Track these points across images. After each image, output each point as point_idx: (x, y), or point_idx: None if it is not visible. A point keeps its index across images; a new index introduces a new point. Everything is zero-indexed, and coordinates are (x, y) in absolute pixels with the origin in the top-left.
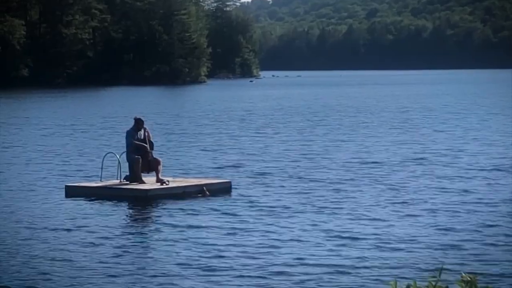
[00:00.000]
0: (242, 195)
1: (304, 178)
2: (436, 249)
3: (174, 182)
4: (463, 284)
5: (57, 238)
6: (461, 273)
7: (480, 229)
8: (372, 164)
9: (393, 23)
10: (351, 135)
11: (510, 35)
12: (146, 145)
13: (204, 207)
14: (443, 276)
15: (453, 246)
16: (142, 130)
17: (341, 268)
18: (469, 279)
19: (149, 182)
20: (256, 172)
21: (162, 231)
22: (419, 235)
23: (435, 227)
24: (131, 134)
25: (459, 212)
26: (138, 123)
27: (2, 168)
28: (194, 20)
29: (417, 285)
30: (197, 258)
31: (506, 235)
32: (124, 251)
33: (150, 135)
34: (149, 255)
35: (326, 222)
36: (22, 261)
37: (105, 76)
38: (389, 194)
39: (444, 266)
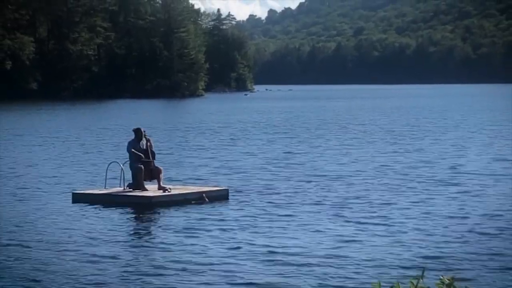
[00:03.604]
0: (238, 201)
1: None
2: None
3: (175, 189)
4: (442, 286)
5: (67, 242)
6: (440, 276)
7: (448, 237)
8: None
9: (379, 41)
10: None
11: (489, 52)
12: (141, 155)
13: (204, 213)
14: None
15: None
16: (144, 140)
17: (328, 271)
18: (447, 281)
19: (151, 189)
20: (249, 180)
21: (166, 236)
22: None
23: (402, 239)
24: (131, 144)
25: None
26: (137, 133)
27: (12, 176)
28: (193, 38)
29: (400, 287)
30: (199, 261)
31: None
32: (130, 255)
33: (152, 144)
34: (154, 259)
35: (317, 230)
36: (31, 264)
37: (108, 90)
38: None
39: (421, 271)
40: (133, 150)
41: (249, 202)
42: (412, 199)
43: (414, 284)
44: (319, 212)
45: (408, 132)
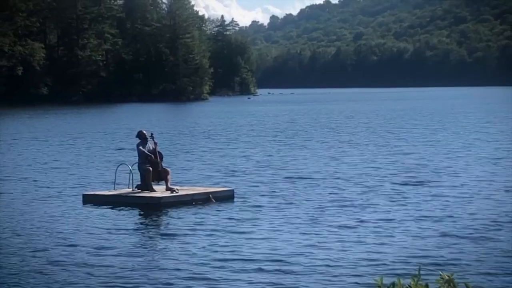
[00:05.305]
0: (243, 202)
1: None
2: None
3: (182, 190)
4: (442, 282)
5: (77, 242)
6: (439, 273)
7: (438, 235)
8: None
9: (377, 45)
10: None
11: (484, 56)
12: (151, 155)
13: (211, 213)
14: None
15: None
16: (152, 143)
17: (328, 268)
18: (447, 277)
19: (159, 190)
20: (252, 181)
21: (175, 237)
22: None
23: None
24: (141, 146)
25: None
26: (141, 136)
27: (23, 178)
28: (197, 43)
29: (401, 283)
30: (206, 260)
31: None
32: (139, 255)
33: (157, 146)
34: (163, 259)
35: (316, 231)
36: (41, 264)
37: (116, 94)
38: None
39: (417, 270)
40: (142, 149)
41: (254, 202)
42: (406, 201)
43: (415, 280)
44: (319, 214)
45: (398, 134)
